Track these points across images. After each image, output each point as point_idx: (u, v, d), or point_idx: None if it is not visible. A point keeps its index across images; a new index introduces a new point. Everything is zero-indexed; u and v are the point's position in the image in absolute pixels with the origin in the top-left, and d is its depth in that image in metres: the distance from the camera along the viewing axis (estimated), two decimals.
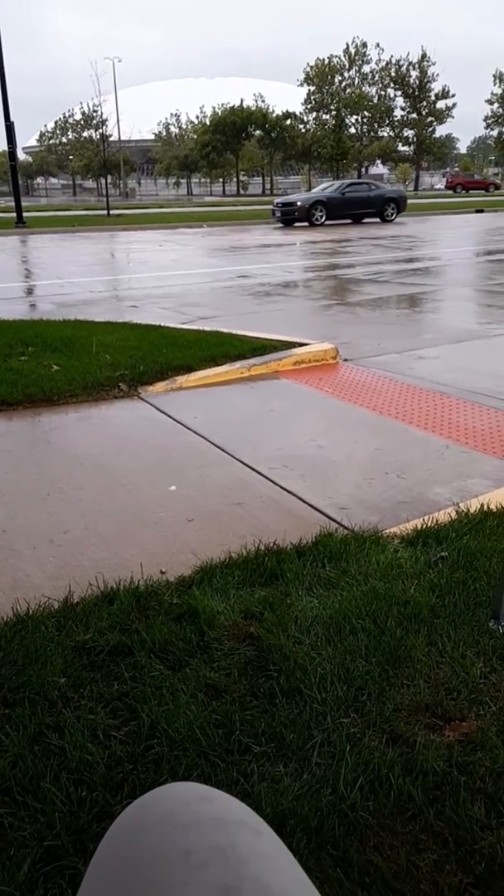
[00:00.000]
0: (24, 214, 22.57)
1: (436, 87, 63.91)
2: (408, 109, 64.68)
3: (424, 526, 2.56)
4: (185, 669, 1.75)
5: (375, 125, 65.75)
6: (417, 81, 63.49)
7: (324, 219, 22.79)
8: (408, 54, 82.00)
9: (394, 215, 24.19)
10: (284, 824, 1.28)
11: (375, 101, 64.63)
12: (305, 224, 22.78)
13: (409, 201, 25.84)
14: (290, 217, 22.98)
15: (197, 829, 0.40)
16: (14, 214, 22.44)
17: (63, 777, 1.40)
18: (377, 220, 23.95)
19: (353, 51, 64.54)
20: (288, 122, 65.78)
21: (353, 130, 63.42)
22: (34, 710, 1.59)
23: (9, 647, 1.82)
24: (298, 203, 23.16)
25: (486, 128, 67.71)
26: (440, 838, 1.29)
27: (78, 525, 2.68)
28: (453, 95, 63.28)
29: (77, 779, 1.40)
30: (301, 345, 5.46)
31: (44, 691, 1.66)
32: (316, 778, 1.41)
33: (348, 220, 23.72)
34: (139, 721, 1.57)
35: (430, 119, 64.37)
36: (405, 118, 65.12)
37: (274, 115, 66.09)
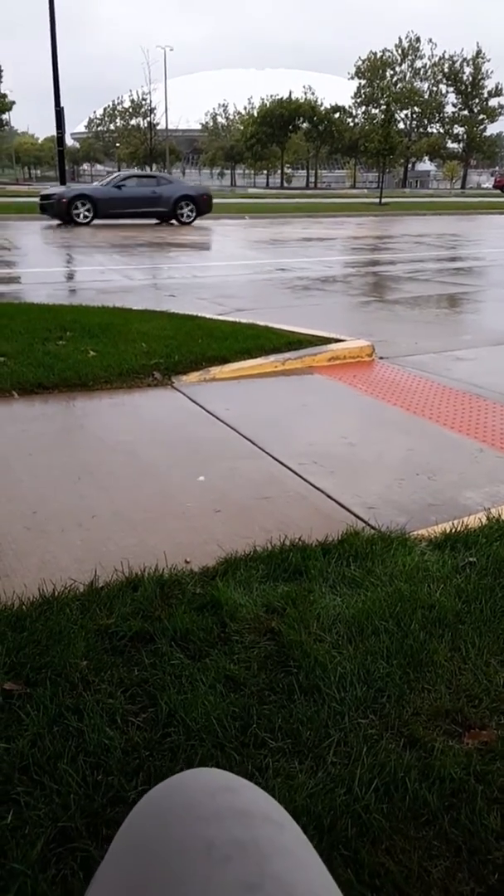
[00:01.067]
0: None
1: (489, 84, 62.85)
2: (459, 106, 63.79)
3: (454, 530, 2.53)
4: (206, 660, 1.76)
5: (425, 121, 65.00)
6: (470, 78, 62.52)
7: (91, 217, 18.87)
8: (461, 50, 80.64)
9: (192, 217, 20.23)
10: (297, 821, 1.27)
11: (426, 96, 63.83)
12: (59, 223, 19.15)
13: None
14: (49, 212, 19.24)
15: (219, 822, 0.39)
16: None
17: (80, 759, 1.41)
18: (174, 221, 20.31)
19: (405, 45, 63.77)
20: (336, 115, 65.35)
21: (401, 126, 62.69)
22: (55, 691, 1.61)
23: (33, 627, 1.84)
24: (55, 196, 19.10)
25: None
26: (454, 846, 1.28)
27: (106, 510, 2.70)
28: None
29: (94, 762, 1.41)
30: (337, 340, 5.42)
31: (65, 673, 1.67)
32: (331, 777, 1.40)
33: (127, 220, 19.98)
34: (157, 708, 1.58)
35: (481, 116, 63.34)
36: (456, 115, 64.21)
37: (322, 107, 65.68)
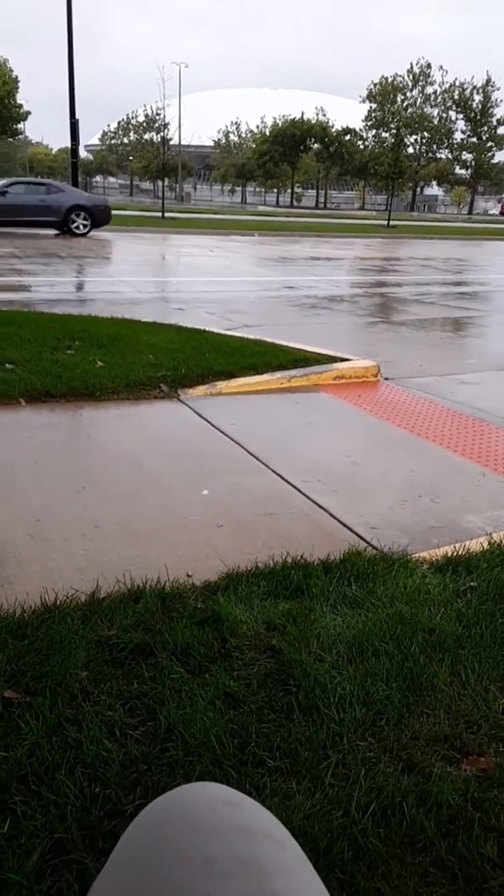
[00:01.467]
0: None
1: (498, 112, 63.51)
2: (468, 133, 64.43)
3: (455, 553, 2.53)
4: (205, 675, 1.76)
5: (434, 146, 65.63)
6: (480, 105, 63.19)
7: None
8: (472, 78, 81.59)
9: (87, 228, 19.11)
10: None
11: (436, 122, 64.52)
12: None
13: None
14: None
15: (221, 837, 0.39)
16: None
17: (78, 771, 1.41)
18: (62, 230, 19.03)
19: (417, 71, 64.57)
20: (347, 137, 65.98)
21: (411, 150, 63.29)
22: (55, 701, 1.61)
23: (35, 635, 1.84)
24: None
25: None
26: (450, 873, 1.27)
27: (110, 521, 2.70)
28: None
29: (91, 774, 1.41)
30: (343, 360, 5.45)
31: (65, 683, 1.67)
32: (328, 798, 1.40)
33: (10, 229, 18.75)
34: (156, 722, 1.57)
35: (489, 144, 63.96)
36: (465, 141, 64.85)
37: (334, 129, 66.32)
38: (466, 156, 65.35)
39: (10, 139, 67.96)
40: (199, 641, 1.88)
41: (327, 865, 1.24)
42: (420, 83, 64.69)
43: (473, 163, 64.47)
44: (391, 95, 64.66)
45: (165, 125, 44.45)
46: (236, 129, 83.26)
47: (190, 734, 1.54)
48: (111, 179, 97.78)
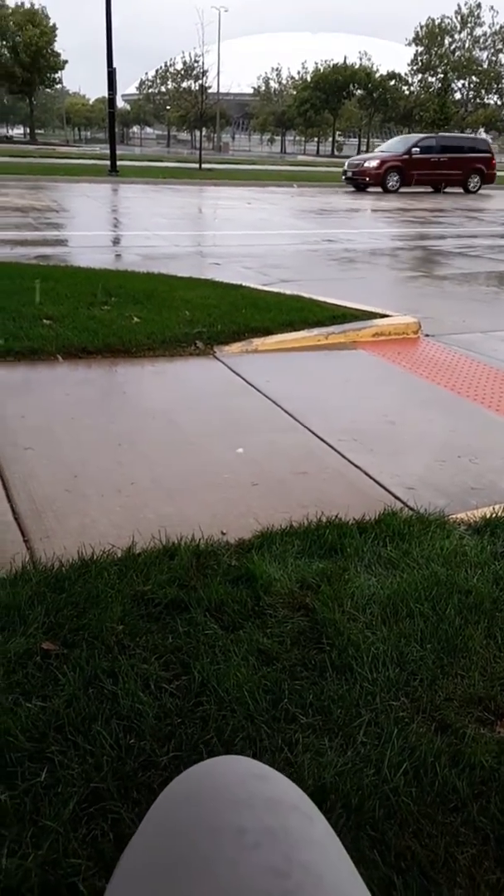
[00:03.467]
0: (118, 163, 22.65)
1: None
2: None
3: (494, 515, 2.49)
4: (239, 632, 1.77)
5: (482, 91, 62.80)
6: None
7: None
8: None
9: None
10: (325, 799, 1.28)
11: (485, 66, 61.63)
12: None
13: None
14: None
15: (250, 808, 0.39)
16: (108, 163, 22.56)
17: (113, 723, 1.44)
18: None
19: (465, 12, 61.49)
20: (392, 82, 63.52)
21: (458, 95, 60.73)
22: (91, 654, 1.64)
23: (72, 589, 1.87)
24: None
25: None
26: (481, 834, 1.27)
27: (145, 478, 2.72)
28: None
29: (127, 726, 1.44)
30: (382, 316, 5.33)
31: (102, 636, 1.70)
32: (360, 756, 1.40)
33: None
34: (190, 677, 1.59)
35: None
36: None
37: (378, 74, 63.89)
38: None
39: (48, 89, 67.21)
40: (232, 599, 1.89)
41: (358, 823, 1.26)
42: (469, 25, 61.58)
43: None
44: (438, 38, 61.69)
45: (204, 73, 43.30)
46: (277, 75, 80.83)
47: (223, 689, 1.55)
48: (148, 130, 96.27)
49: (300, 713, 1.52)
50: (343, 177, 22.95)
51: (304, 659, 1.69)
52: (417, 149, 21.95)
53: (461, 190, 23.09)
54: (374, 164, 21.86)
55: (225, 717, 1.49)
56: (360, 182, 21.93)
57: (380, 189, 21.57)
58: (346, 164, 23.57)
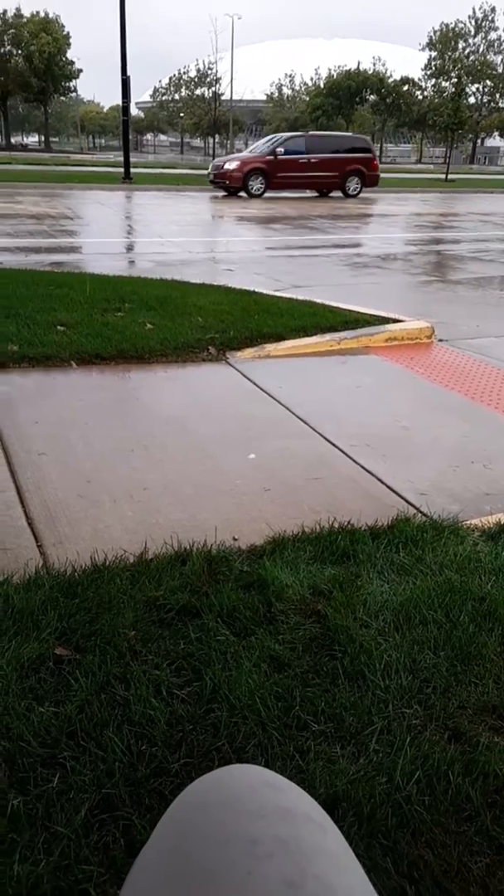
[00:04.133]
0: (132, 170, 22.79)
1: None
2: None
3: None
4: (251, 638, 1.76)
5: (497, 95, 62.66)
6: None
7: None
8: None
9: None
10: (337, 806, 1.28)
11: (500, 70, 61.51)
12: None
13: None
14: None
15: (263, 818, 0.39)
16: (122, 170, 22.71)
17: (125, 728, 1.44)
18: None
19: (479, 16, 61.47)
20: (405, 87, 63.53)
21: (472, 100, 60.58)
22: (104, 659, 1.64)
23: (85, 594, 1.88)
24: None
25: None
26: (495, 843, 1.26)
27: (158, 483, 2.72)
28: None
29: (138, 732, 1.44)
30: (395, 321, 5.32)
31: (114, 642, 1.70)
32: (372, 764, 1.39)
33: None
34: (202, 683, 1.59)
35: None
36: None
37: (391, 79, 63.91)
38: None
39: (63, 97, 67.77)
40: (244, 605, 1.89)
41: (370, 831, 1.25)
42: (483, 29, 61.57)
43: None
44: (452, 43, 61.74)
45: (217, 80, 43.59)
46: (290, 81, 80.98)
47: (235, 696, 1.55)
48: (162, 137, 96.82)
49: (312, 720, 1.51)
50: (208, 180, 21.24)
51: (316, 666, 1.68)
52: (282, 149, 20.04)
53: (341, 193, 21.22)
54: (233, 165, 20.03)
55: (236, 723, 1.48)
56: (224, 186, 20.20)
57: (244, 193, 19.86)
58: (210, 165, 21.73)
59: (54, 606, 1.82)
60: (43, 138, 67.01)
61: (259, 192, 19.95)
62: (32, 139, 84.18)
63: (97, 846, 1.19)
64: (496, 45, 61.81)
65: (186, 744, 1.42)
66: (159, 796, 1.29)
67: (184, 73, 69.08)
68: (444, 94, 57.40)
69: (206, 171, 23.76)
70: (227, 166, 20.21)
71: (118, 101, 23.00)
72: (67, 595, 1.89)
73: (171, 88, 76.15)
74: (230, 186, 20.10)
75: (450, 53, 61.60)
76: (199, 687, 1.59)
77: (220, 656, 1.68)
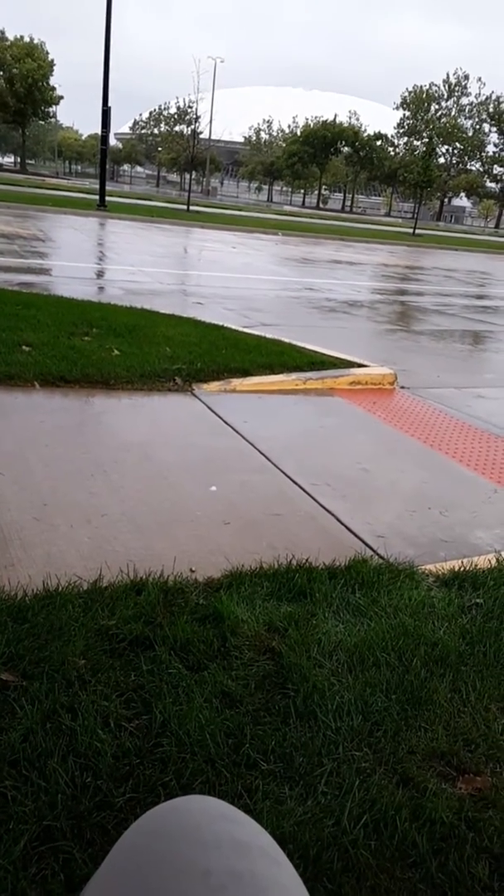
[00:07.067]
0: (107, 199, 22.95)
1: None
2: (501, 146, 64.13)
3: (462, 569, 2.51)
4: (204, 672, 1.74)
5: (465, 158, 65.34)
6: None
7: None
8: None
9: None
10: (283, 848, 1.25)
11: (469, 134, 64.25)
12: None
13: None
14: None
15: (217, 850, 0.39)
16: (97, 197, 22.85)
17: (70, 759, 1.40)
18: None
19: (453, 81, 64.34)
20: (378, 142, 65.82)
21: (441, 160, 63.04)
22: (51, 687, 1.60)
23: (35, 619, 1.83)
24: None
25: None
26: (440, 891, 1.25)
27: (116, 510, 2.69)
28: None
29: (84, 763, 1.40)
30: (360, 365, 5.42)
31: (63, 670, 1.66)
32: (320, 806, 1.38)
33: None
34: (151, 716, 1.56)
35: None
36: (497, 155, 64.59)
37: (365, 134, 66.17)
38: (498, 169, 65.10)
39: (42, 121, 68.12)
40: (199, 638, 1.87)
41: (316, 874, 1.23)
42: (455, 94, 64.44)
43: None
44: (425, 104, 64.41)
45: (197, 118, 44.43)
46: (268, 127, 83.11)
47: (184, 731, 1.52)
48: (138, 169, 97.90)
49: (261, 759, 1.49)
50: None
51: (268, 703, 1.67)
52: None
53: None
54: None
55: (185, 759, 1.46)
56: None
57: None
58: None
59: (2, 630, 1.77)
60: (19, 159, 67.09)
61: None
62: (8, 160, 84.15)
63: (35, 879, 1.14)
64: (467, 110, 64.64)
65: (133, 778, 1.39)
66: (102, 830, 1.25)
67: (164, 108, 70.30)
68: (415, 153, 59.66)
69: (181, 206, 23.52)
70: None
71: (97, 129, 23.31)
72: (17, 619, 1.84)
73: (151, 123, 77.32)
74: None
75: (422, 114, 64.18)
76: (149, 720, 1.55)
77: (172, 690, 1.65)
